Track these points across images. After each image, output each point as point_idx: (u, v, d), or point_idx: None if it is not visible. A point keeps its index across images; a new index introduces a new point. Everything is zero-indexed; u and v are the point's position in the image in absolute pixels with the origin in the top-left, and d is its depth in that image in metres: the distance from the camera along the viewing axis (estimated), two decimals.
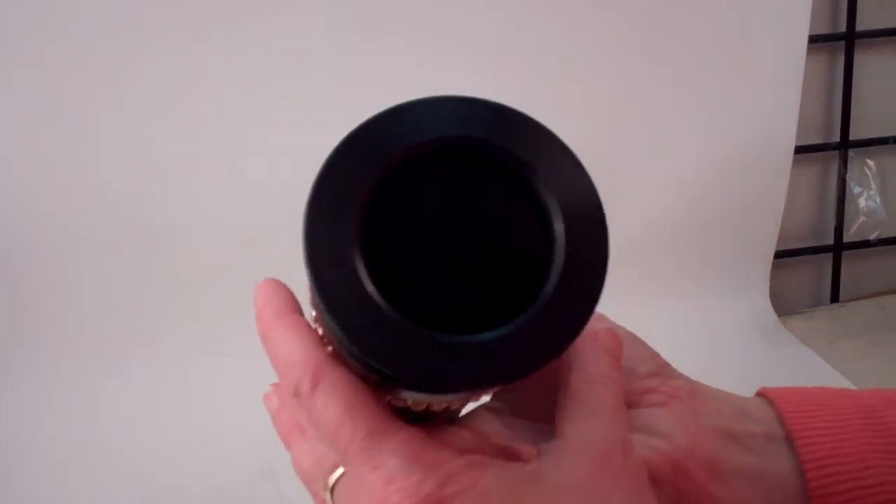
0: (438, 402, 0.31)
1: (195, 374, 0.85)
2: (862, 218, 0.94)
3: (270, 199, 0.79)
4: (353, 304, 0.26)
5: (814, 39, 0.85)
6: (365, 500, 0.29)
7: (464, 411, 0.35)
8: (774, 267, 0.92)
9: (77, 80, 0.78)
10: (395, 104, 0.28)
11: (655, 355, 0.38)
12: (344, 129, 0.28)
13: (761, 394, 0.39)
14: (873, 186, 0.93)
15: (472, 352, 0.26)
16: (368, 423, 0.29)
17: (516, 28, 0.81)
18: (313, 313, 0.31)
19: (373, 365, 0.26)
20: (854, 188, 0.93)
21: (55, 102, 0.79)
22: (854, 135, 0.92)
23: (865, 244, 0.95)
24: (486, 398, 0.35)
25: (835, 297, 0.96)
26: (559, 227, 0.28)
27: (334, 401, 0.29)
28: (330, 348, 0.31)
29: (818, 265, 0.98)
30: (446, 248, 0.28)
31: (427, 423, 0.31)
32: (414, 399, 0.30)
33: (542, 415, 0.35)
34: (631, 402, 0.35)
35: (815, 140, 0.92)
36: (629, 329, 0.39)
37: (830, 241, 0.95)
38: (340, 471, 0.31)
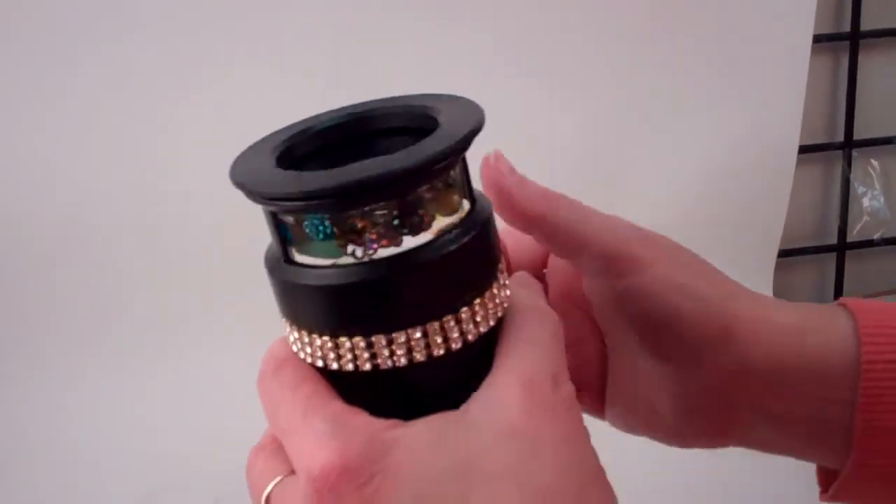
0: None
1: (202, 370, 0.85)
2: (865, 218, 0.94)
3: None
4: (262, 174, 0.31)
5: (818, 39, 0.85)
6: (293, 491, 0.30)
7: None
8: (778, 266, 0.92)
9: (79, 79, 0.79)
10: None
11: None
12: None
13: None
14: (877, 186, 0.94)
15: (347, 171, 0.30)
16: (307, 395, 0.31)
17: (519, 28, 0.81)
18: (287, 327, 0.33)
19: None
20: (858, 188, 0.93)
21: (57, 102, 0.80)
22: (858, 135, 0.92)
23: (869, 244, 0.95)
24: None
25: (838, 297, 0.96)
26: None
27: (286, 381, 0.32)
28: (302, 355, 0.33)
29: (821, 265, 0.98)
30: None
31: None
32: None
33: None
34: None
35: (819, 140, 0.92)
36: None
37: (834, 240, 0.96)
38: (278, 479, 0.32)
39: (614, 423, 0.42)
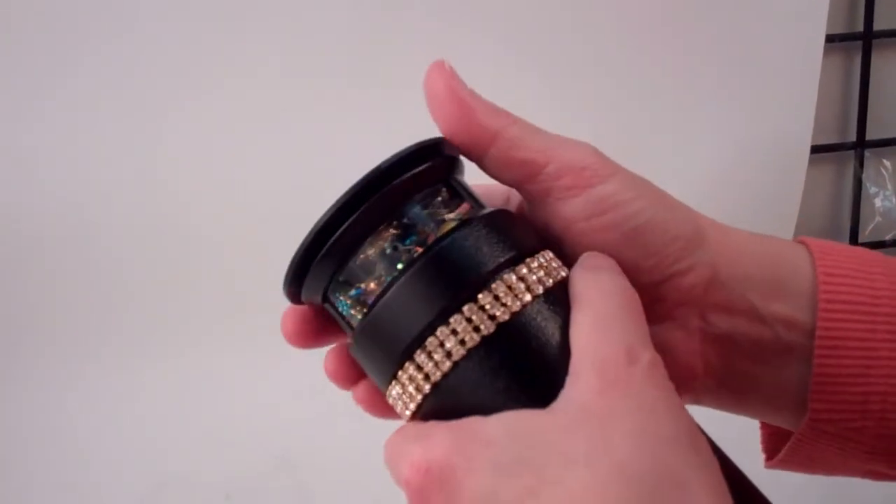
0: None
1: (210, 364, 0.86)
2: (878, 218, 0.94)
3: (287, 189, 0.80)
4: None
5: (830, 39, 0.85)
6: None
7: None
8: None
9: (79, 79, 0.79)
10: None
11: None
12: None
13: None
14: (889, 187, 0.93)
15: None
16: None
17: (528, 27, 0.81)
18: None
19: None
20: (870, 188, 0.93)
21: (58, 98, 0.79)
22: (870, 135, 0.91)
23: (881, 245, 0.95)
24: None
25: None
26: None
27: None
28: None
29: None
30: None
31: None
32: None
33: None
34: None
35: (831, 140, 0.92)
36: None
37: (846, 241, 0.95)
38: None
39: None
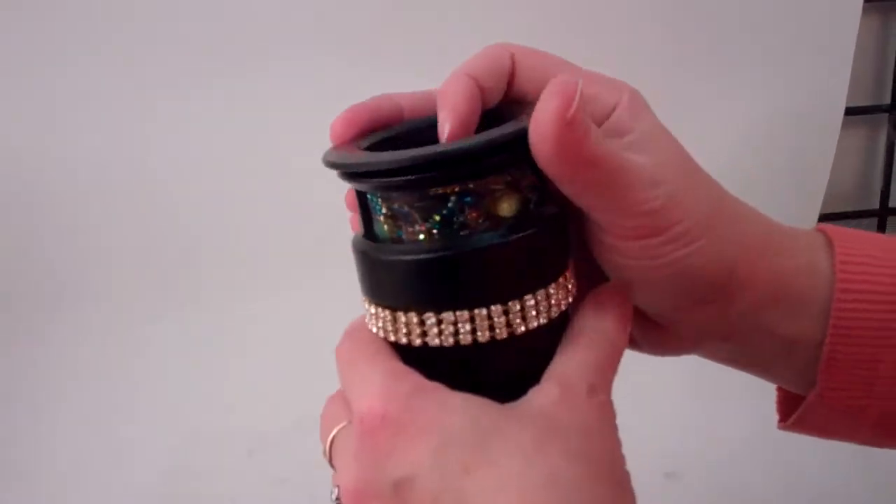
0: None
1: (234, 324, 0.87)
2: None
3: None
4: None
5: (868, 0, 0.83)
6: (349, 435, 0.33)
7: None
8: None
9: (78, 80, 0.80)
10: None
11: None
12: None
13: None
14: None
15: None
16: (372, 353, 0.34)
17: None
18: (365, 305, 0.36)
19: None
20: None
21: (60, 96, 0.81)
22: None
23: None
24: None
25: None
26: None
27: (358, 342, 0.35)
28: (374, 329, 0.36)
29: (862, 229, 0.96)
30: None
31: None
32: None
33: None
34: None
35: (865, 102, 0.90)
36: None
37: (876, 205, 0.94)
38: (343, 424, 0.35)
39: None
